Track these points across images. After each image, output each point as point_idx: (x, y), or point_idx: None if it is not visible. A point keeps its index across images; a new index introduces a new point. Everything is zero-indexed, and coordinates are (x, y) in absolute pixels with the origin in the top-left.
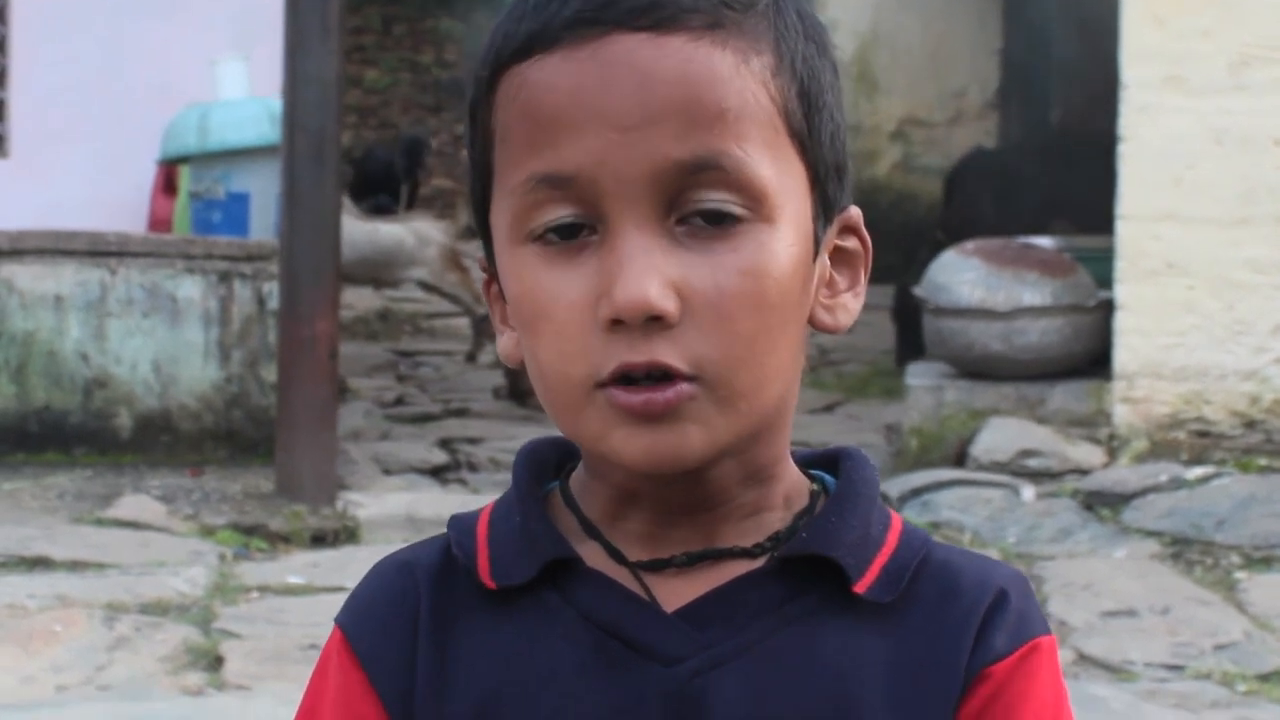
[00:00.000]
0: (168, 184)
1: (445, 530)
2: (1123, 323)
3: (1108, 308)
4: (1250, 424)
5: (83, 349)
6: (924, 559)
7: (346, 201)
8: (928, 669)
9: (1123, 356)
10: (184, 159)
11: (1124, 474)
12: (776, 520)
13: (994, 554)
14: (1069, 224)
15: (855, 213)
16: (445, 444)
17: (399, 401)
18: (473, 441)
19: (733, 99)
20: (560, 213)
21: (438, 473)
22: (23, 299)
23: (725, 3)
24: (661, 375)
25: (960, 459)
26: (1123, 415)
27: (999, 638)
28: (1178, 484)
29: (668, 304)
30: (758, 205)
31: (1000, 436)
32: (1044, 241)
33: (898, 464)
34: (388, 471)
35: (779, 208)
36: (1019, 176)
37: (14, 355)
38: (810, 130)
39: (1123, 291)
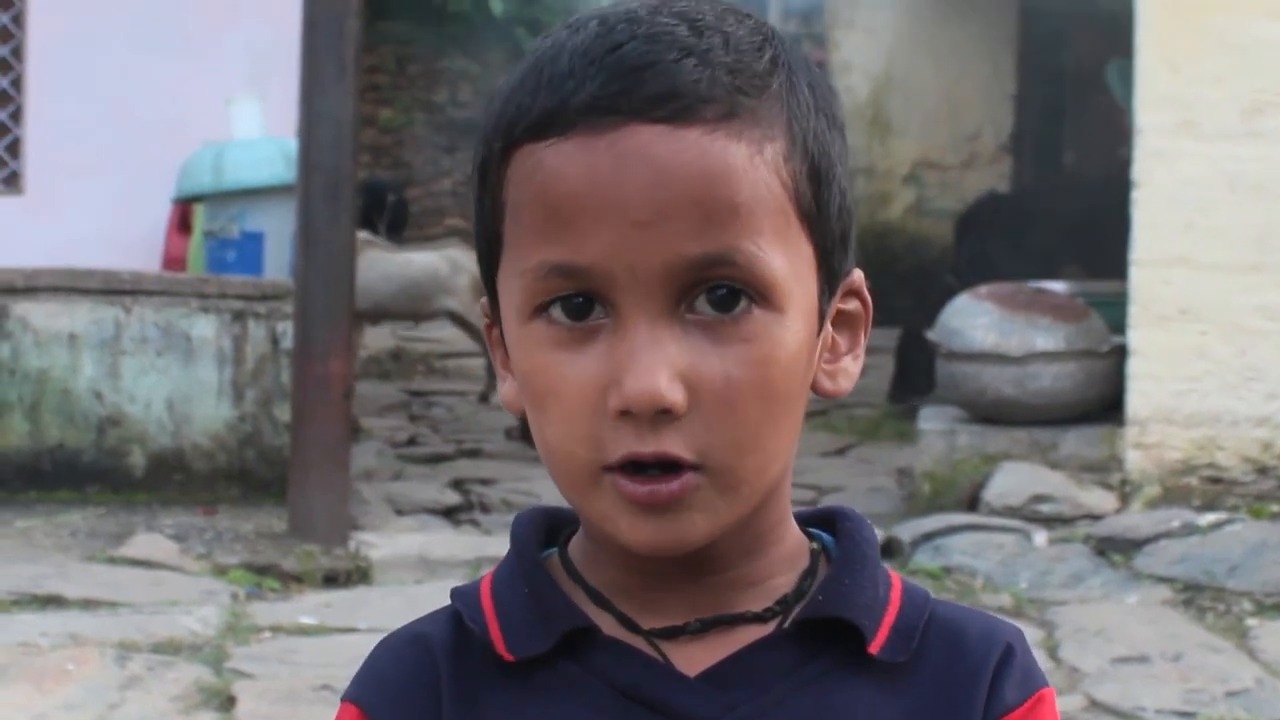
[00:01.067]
0: (182, 222)
1: (450, 600)
2: (1135, 368)
3: (1120, 353)
4: (1263, 470)
5: (96, 387)
6: (930, 617)
7: (373, 237)
8: None
9: (1135, 402)
10: (199, 198)
11: (1136, 520)
12: (782, 584)
13: (1006, 599)
14: (1079, 269)
15: (858, 276)
16: (458, 485)
17: (411, 441)
18: (485, 482)
19: (746, 193)
20: (571, 290)
21: (450, 513)
22: (37, 336)
23: (740, 89)
24: (668, 465)
25: (972, 504)
26: (1135, 461)
27: (1009, 690)
28: (1190, 530)
29: (676, 396)
30: (768, 296)
31: (1013, 481)
32: (1057, 286)
33: (910, 508)
34: (400, 512)
35: (788, 295)
36: (1030, 221)
37: (28, 393)
38: (819, 207)
39: (1135, 337)
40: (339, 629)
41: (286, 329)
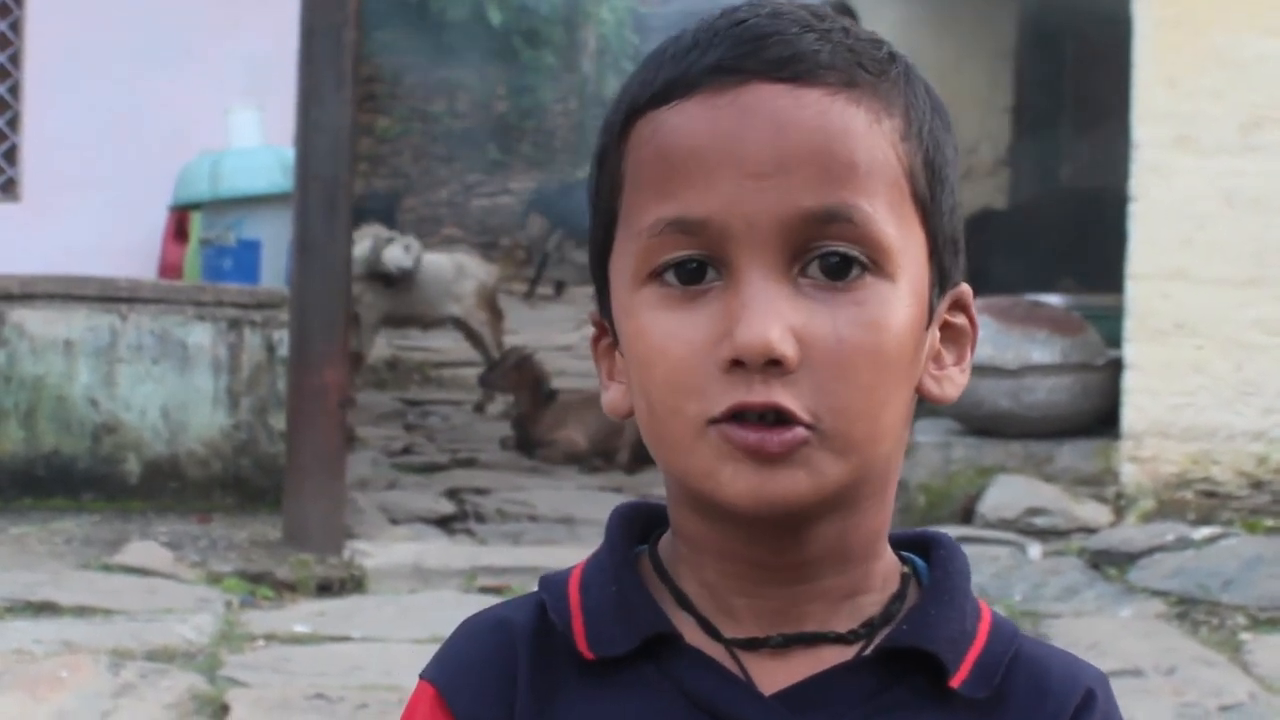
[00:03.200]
0: (179, 230)
1: (536, 589)
2: (1131, 382)
3: (1116, 367)
4: (1258, 485)
5: (92, 394)
6: (1015, 654)
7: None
8: None
9: (1131, 416)
10: (196, 206)
11: (1131, 533)
12: (871, 604)
13: (1000, 610)
14: (1074, 282)
15: (967, 290)
16: (453, 494)
17: (407, 451)
18: (480, 492)
19: (864, 154)
20: (686, 252)
21: (445, 523)
22: (33, 344)
23: (861, 64)
24: (777, 418)
25: (967, 516)
26: (1130, 474)
27: None
28: (1184, 544)
29: (788, 349)
30: (881, 261)
31: (1008, 494)
32: (1053, 299)
33: (904, 520)
34: (395, 521)
35: (900, 266)
36: (1026, 234)
37: (23, 400)
38: (933, 198)
39: (1131, 351)
40: (333, 638)
41: (282, 337)
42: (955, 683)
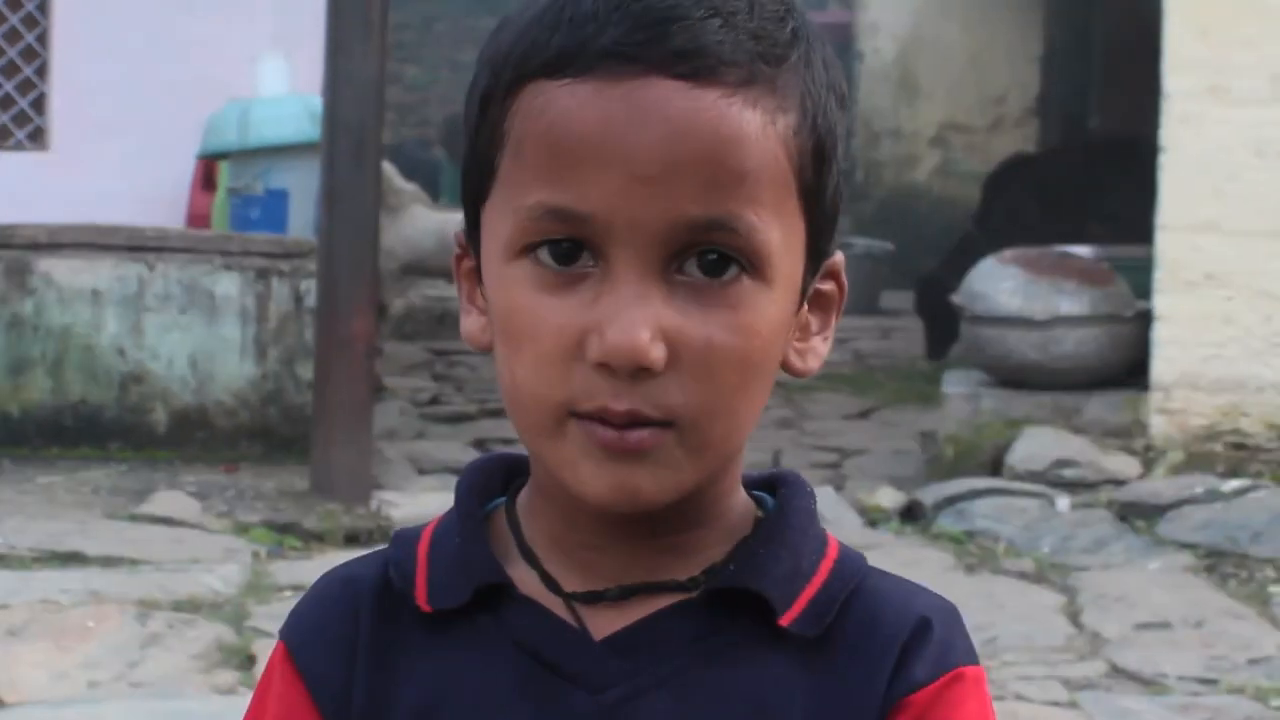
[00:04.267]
0: (207, 179)
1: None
2: (1160, 333)
3: (1145, 318)
4: None
5: (119, 344)
6: (855, 590)
7: (419, 191)
8: (848, 699)
9: (1160, 367)
10: (224, 155)
11: (1159, 486)
12: (716, 553)
13: (1028, 564)
14: (1104, 230)
15: (839, 258)
16: (480, 444)
17: (434, 401)
18: (507, 442)
19: (755, 161)
20: (563, 235)
21: None
22: (60, 293)
23: (762, 55)
24: (636, 422)
25: (996, 468)
26: (1159, 426)
27: (919, 667)
28: (1213, 496)
29: (657, 354)
30: (759, 267)
31: (1036, 446)
32: (1082, 250)
33: (932, 472)
34: (422, 471)
35: (777, 269)
36: (1057, 182)
37: (51, 349)
38: (817, 186)
39: (1161, 302)
40: None
41: (310, 287)
42: (785, 621)
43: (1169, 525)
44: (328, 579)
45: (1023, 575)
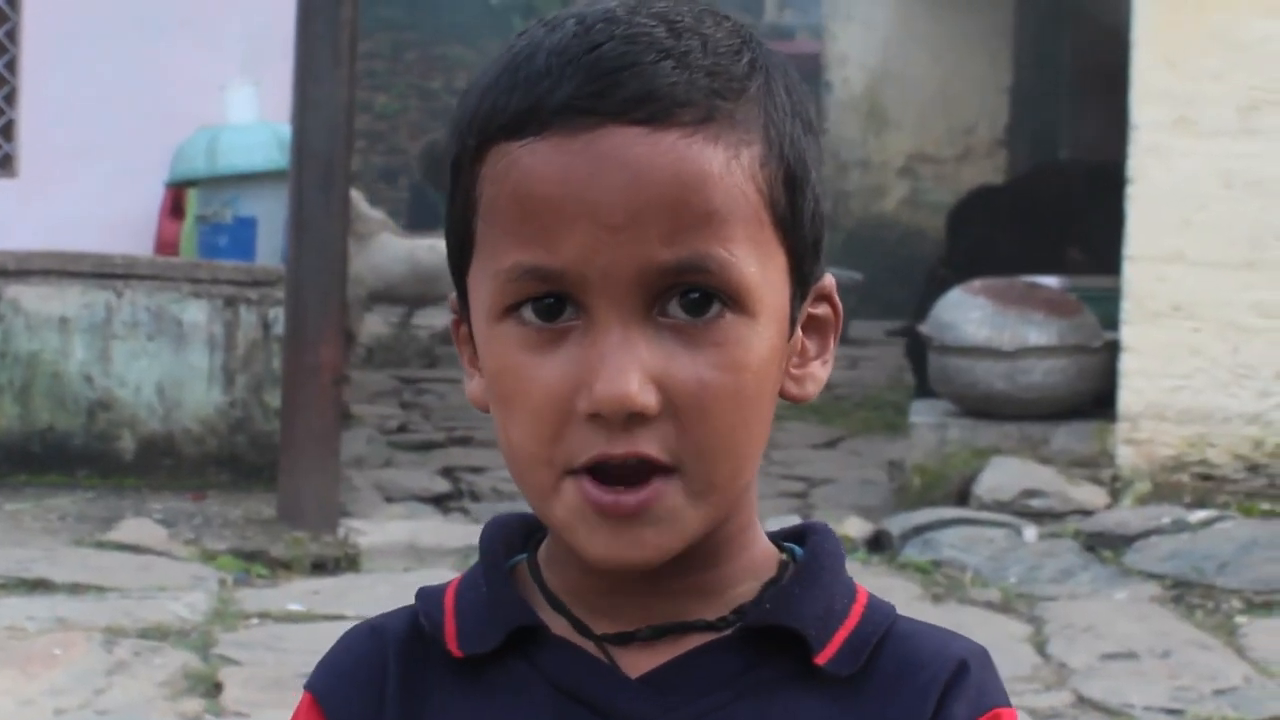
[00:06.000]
0: (175, 207)
1: (414, 600)
2: (1128, 364)
3: (1113, 349)
4: (1254, 468)
5: (87, 371)
6: (887, 632)
7: (387, 219)
8: None
9: (1127, 398)
10: (192, 182)
11: (1126, 516)
12: (744, 593)
13: (995, 594)
14: (1080, 258)
15: (829, 281)
16: (448, 472)
17: (402, 429)
18: (475, 470)
19: (720, 199)
20: (543, 290)
21: (440, 501)
22: (28, 320)
23: (718, 92)
24: (638, 465)
25: (963, 497)
26: (1126, 457)
27: (959, 708)
28: (1180, 527)
29: (649, 399)
30: (740, 301)
31: (1003, 476)
32: (1050, 281)
33: (900, 501)
34: (390, 499)
35: (760, 300)
36: (1022, 214)
37: (18, 376)
38: (793, 214)
39: (1128, 333)
40: (326, 616)
41: (278, 315)
42: (821, 659)
43: (1136, 555)
44: (354, 630)
45: (989, 605)
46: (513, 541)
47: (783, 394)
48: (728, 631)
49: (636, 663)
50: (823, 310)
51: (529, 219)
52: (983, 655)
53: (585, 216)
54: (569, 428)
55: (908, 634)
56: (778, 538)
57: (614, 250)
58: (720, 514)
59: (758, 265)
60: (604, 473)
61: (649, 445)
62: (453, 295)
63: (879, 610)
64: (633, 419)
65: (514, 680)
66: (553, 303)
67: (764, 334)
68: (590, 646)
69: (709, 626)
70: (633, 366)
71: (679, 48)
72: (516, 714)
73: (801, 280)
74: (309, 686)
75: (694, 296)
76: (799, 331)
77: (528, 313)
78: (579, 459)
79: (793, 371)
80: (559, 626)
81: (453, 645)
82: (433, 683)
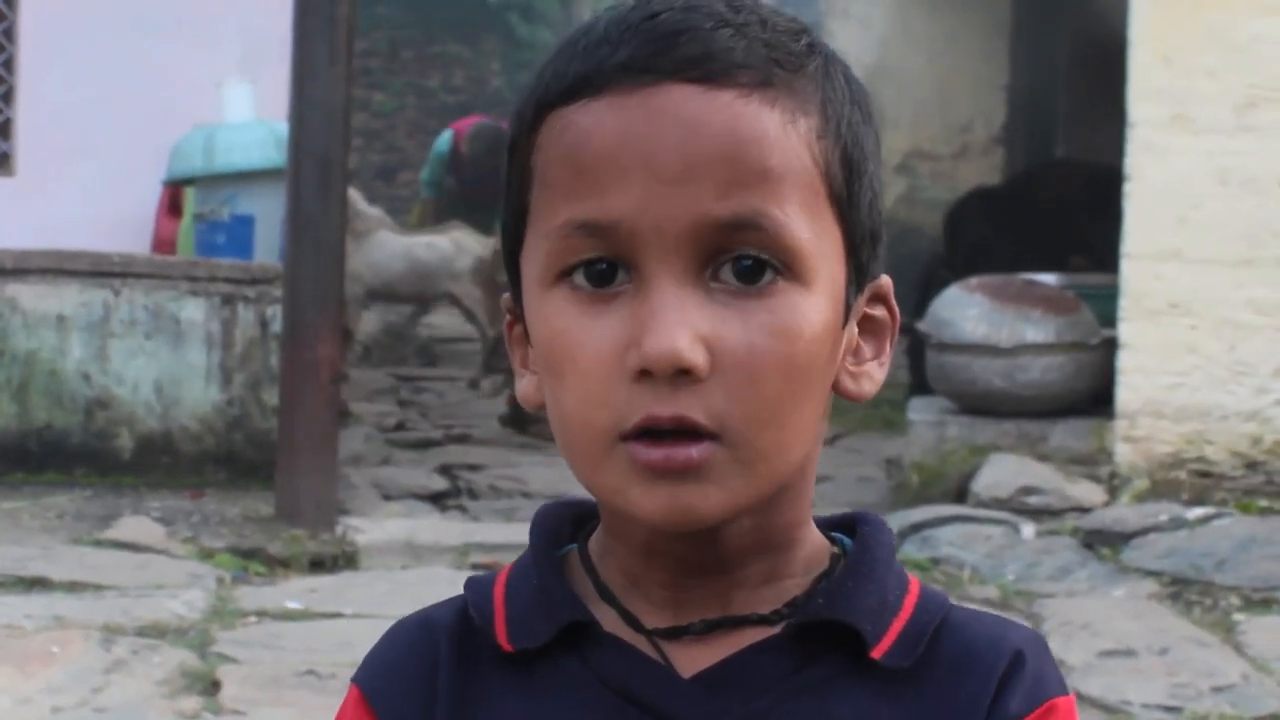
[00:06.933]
0: (172, 205)
1: (462, 591)
2: (1125, 361)
3: (1110, 346)
4: (1251, 465)
5: (84, 369)
6: (941, 623)
7: (385, 216)
8: None
9: (1125, 395)
10: (189, 180)
11: (1124, 513)
12: (795, 586)
13: (993, 591)
14: (1082, 260)
15: (886, 282)
16: (446, 470)
17: (400, 427)
18: (473, 468)
19: (776, 159)
20: (595, 253)
21: (438, 499)
22: (25, 318)
23: (777, 61)
24: (685, 430)
25: (961, 495)
26: (1124, 454)
27: (1015, 699)
28: (1178, 524)
29: (697, 357)
30: (794, 265)
31: (1001, 473)
32: (1047, 278)
33: (898, 499)
34: (388, 497)
35: (814, 270)
36: (1018, 213)
37: (16, 374)
38: (850, 196)
39: (1126, 330)
40: (324, 614)
41: (276, 313)
42: (877, 653)
43: (1133, 553)
44: (403, 624)
45: (987, 602)
46: (562, 530)
47: (839, 390)
48: (780, 626)
49: (689, 658)
50: (880, 312)
51: (582, 174)
52: (1038, 643)
53: (639, 169)
54: (620, 389)
55: (962, 623)
56: (825, 526)
57: (668, 204)
58: (771, 484)
59: (811, 232)
60: (652, 434)
61: (694, 409)
62: (507, 295)
63: (933, 600)
64: (680, 378)
65: (566, 678)
66: (604, 268)
67: (818, 305)
68: (642, 642)
69: (762, 620)
70: (683, 323)
71: (738, 19)
72: (568, 711)
73: (859, 269)
74: (357, 680)
75: (747, 264)
76: (855, 330)
77: (579, 278)
78: (628, 421)
79: (850, 368)
80: (609, 619)
81: (503, 639)
82: (485, 677)
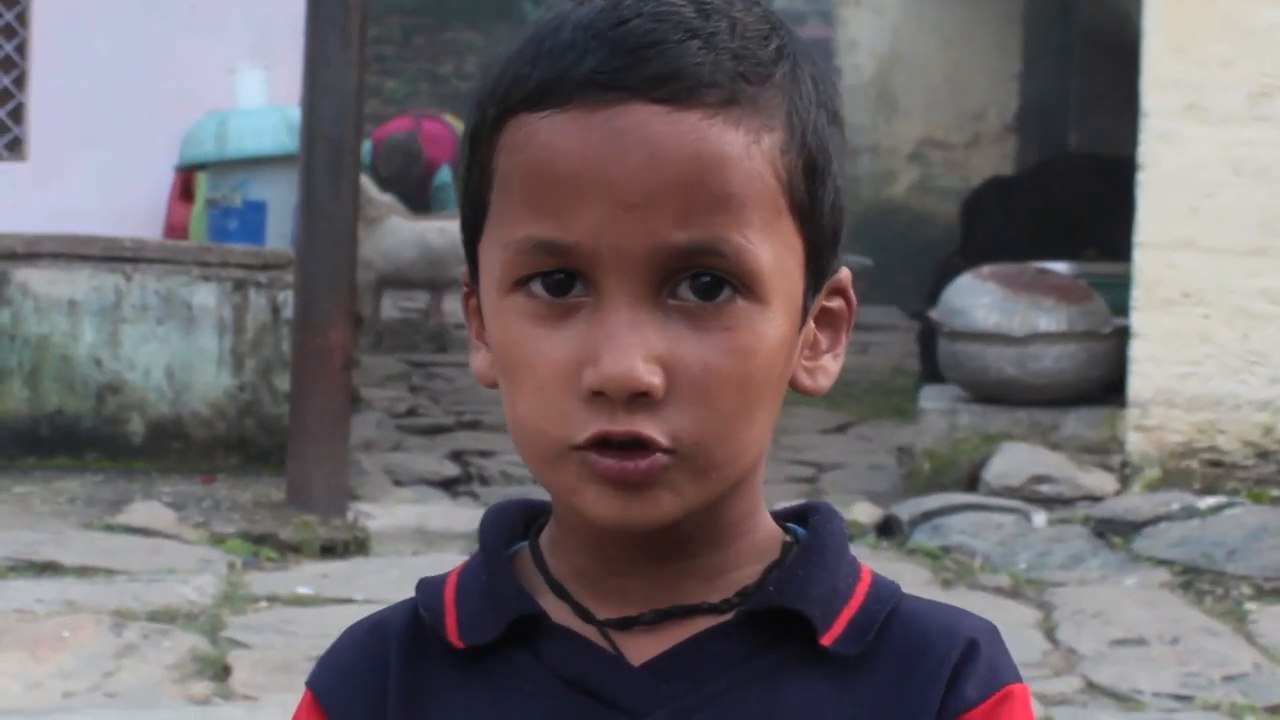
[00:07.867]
0: (185, 191)
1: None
2: (1137, 350)
3: (1123, 335)
4: (1263, 454)
5: (96, 354)
6: (893, 611)
7: (396, 202)
8: (899, 719)
9: (1137, 384)
10: (202, 166)
11: (1136, 502)
12: (746, 575)
13: (1004, 580)
14: (1095, 251)
15: (845, 275)
16: (457, 456)
17: (411, 413)
18: (484, 454)
19: (738, 184)
20: (552, 266)
21: (449, 485)
22: (37, 303)
23: (744, 75)
24: (637, 444)
25: (972, 483)
26: (1136, 443)
27: (970, 687)
28: (1189, 513)
29: (653, 380)
30: (753, 287)
31: (1013, 462)
32: (1060, 267)
33: (909, 487)
34: (399, 483)
35: (772, 288)
36: (1035, 203)
37: (27, 359)
38: (813, 203)
39: (1138, 319)
40: (335, 600)
41: (287, 299)
42: (827, 640)
43: (1145, 542)
44: (355, 627)
45: (999, 591)
46: (514, 529)
47: (794, 386)
48: (731, 615)
49: (640, 648)
50: (836, 304)
51: (544, 192)
52: (991, 632)
53: (601, 193)
54: (573, 402)
55: (915, 613)
56: (780, 518)
57: (627, 229)
58: (723, 489)
59: (772, 252)
60: (605, 447)
61: (649, 427)
62: (463, 268)
63: (884, 589)
64: (636, 399)
65: (516, 670)
66: (562, 278)
67: (775, 321)
68: (593, 633)
69: (712, 609)
70: (638, 346)
71: (707, 28)
72: (519, 704)
73: (817, 271)
74: (310, 684)
75: (705, 280)
76: (811, 323)
77: (537, 287)
78: (581, 435)
79: (804, 364)
80: (561, 613)
81: (453, 636)
82: (435, 675)
